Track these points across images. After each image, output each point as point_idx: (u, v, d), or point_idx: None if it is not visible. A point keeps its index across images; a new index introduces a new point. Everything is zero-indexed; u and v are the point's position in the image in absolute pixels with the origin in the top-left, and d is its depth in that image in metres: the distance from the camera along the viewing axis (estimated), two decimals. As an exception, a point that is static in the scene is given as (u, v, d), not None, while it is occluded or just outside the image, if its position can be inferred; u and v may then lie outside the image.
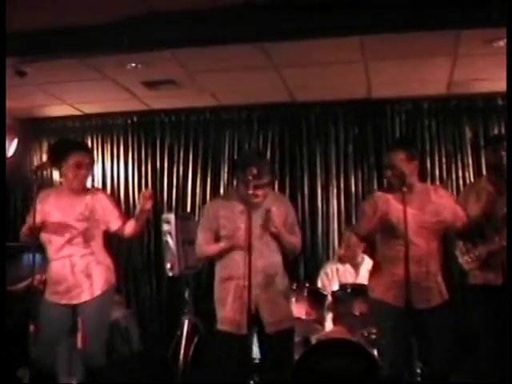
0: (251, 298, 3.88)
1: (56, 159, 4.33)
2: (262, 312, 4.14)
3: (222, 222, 4.26)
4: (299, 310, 5.05)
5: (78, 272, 4.26)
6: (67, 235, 4.25)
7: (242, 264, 4.08)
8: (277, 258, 4.28)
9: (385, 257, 4.23)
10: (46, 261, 4.37)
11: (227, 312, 4.18)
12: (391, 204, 4.12)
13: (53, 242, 4.27)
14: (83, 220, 4.28)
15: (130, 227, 4.40)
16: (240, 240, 4.10)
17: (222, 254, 4.27)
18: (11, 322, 4.97)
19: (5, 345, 4.15)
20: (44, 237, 4.29)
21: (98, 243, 4.38)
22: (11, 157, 7.09)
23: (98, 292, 4.27)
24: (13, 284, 5.65)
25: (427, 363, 3.95)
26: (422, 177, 4.27)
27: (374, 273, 4.38)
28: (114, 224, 4.40)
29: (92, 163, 4.47)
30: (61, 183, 4.54)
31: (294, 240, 4.34)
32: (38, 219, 4.14)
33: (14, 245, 5.09)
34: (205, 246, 4.32)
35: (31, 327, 3.96)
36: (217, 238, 4.29)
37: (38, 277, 4.66)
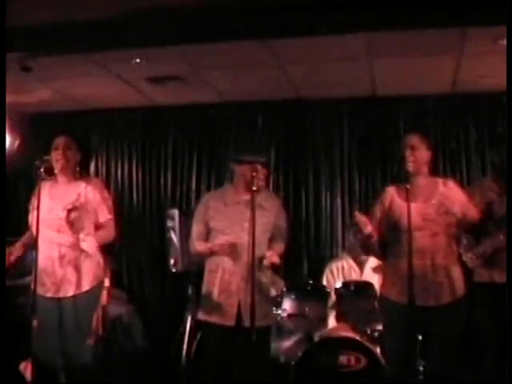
0: (237, 291, 4.08)
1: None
2: (244, 306, 4.21)
3: (211, 212, 4.35)
4: (302, 307, 5.04)
5: (66, 263, 4.19)
6: (55, 224, 4.19)
7: (228, 257, 4.26)
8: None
9: (390, 252, 4.22)
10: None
11: (214, 303, 4.32)
12: (394, 199, 4.12)
13: (42, 231, 4.11)
14: (72, 209, 4.20)
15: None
16: (226, 247, 4.24)
17: (210, 254, 4.38)
18: (16, 316, 4.98)
19: (8, 339, 4.14)
20: (34, 225, 4.19)
21: (91, 238, 4.29)
22: (15, 152, 7.08)
23: (86, 287, 4.20)
24: (17, 278, 5.66)
25: (431, 362, 3.86)
26: (433, 170, 4.22)
27: (383, 269, 4.40)
28: (102, 217, 4.31)
29: (73, 147, 4.38)
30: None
31: (276, 251, 4.48)
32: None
33: (17, 239, 5.09)
34: (196, 241, 4.43)
35: (34, 322, 3.95)
36: (207, 231, 4.36)
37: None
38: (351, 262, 5.88)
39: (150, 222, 7.38)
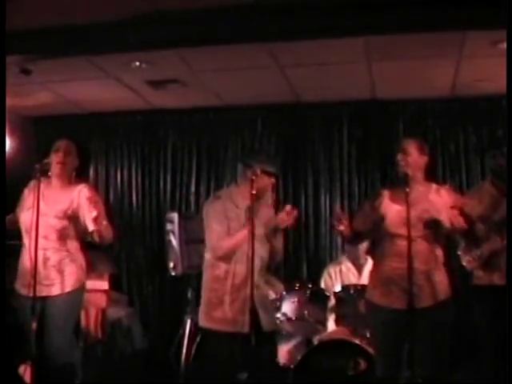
0: (252, 297, 3.93)
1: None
2: (261, 311, 4.18)
3: (229, 213, 4.27)
4: (301, 310, 5.04)
5: (50, 266, 4.20)
6: (43, 230, 4.15)
7: (238, 261, 4.17)
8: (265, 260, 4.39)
9: (375, 254, 4.24)
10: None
11: (226, 312, 4.19)
12: (385, 201, 4.10)
13: (29, 233, 4.14)
14: (63, 218, 4.22)
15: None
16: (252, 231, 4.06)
17: (238, 247, 4.21)
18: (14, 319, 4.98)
19: (7, 342, 4.14)
20: (23, 225, 4.28)
21: (75, 241, 4.31)
22: (14, 155, 7.07)
23: (68, 289, 4.21)
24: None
25: (421, 365, 3.85)
26: (430, 176, 4.18)
27: (370, 273, 4.40)
28: (90, 225, 4.15)
29: (73, 152, 4.36)
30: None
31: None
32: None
33: (17, 243, 5.09)
34: (222, 240, 4.23)
35: (33, 325, 3.96)
36: (227, 231, 4.29)
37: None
38: (350, 265, 5.87)
39: (149, 225, 7.38)
